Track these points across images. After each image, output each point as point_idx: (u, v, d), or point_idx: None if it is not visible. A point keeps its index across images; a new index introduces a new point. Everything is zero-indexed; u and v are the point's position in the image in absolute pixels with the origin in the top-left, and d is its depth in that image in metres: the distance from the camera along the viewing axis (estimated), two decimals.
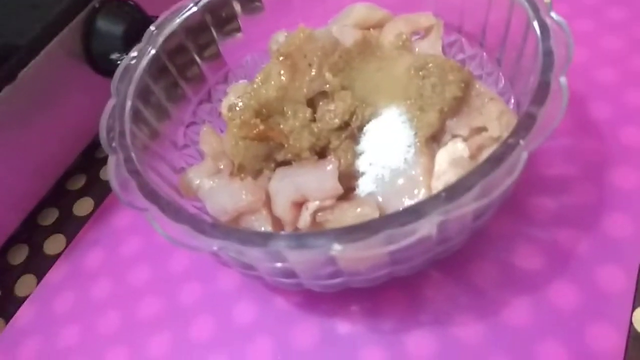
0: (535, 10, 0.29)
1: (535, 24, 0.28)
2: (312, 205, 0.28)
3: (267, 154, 0.30)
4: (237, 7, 0.38)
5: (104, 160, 0.45)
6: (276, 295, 0.33)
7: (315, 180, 0.28)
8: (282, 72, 0.31)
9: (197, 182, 0.32)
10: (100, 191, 0.43)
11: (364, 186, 0.29)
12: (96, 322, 0.35)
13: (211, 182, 0.30)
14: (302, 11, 0.39)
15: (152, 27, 0.35)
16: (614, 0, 0.42)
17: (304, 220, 0.28)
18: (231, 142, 0.31)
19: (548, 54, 0.27)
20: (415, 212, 0.22)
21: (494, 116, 0.29)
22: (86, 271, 0.38)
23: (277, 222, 0.29)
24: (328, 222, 0.28)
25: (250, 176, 0.30)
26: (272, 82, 0.31)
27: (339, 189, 0.28)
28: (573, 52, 0.26)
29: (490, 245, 0.32)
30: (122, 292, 0.36)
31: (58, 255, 0.39)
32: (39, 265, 0.39)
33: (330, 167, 0.27)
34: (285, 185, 0.28)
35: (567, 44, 0.27)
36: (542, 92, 0.25)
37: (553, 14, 0.28)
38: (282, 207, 0.28)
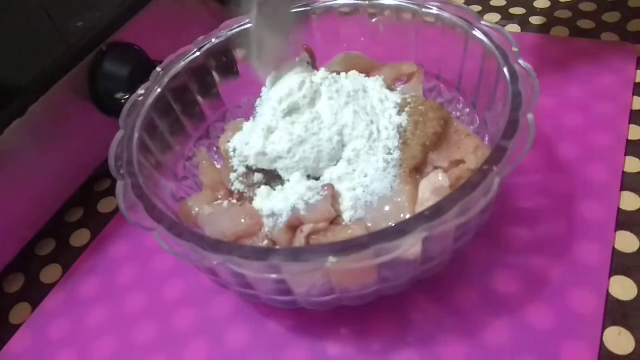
0: (505, 58, 0.33)
1: (506, 70, 0.32)
2: (307, 228, 0.30)
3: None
4: (237, 53, 0.41)
5: (102, 194, 0.46)
6: (269, 320, 0.34)
7: (311, 205, 0.30)
8: None
9: (197, 209, 0.34)
10: (97, 223, 0.44)
11: (353, 213, 0.32)
12: (91, 347, 0.36)
13: (211, 209, 0.33)
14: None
15: (158, 69, 0.38)
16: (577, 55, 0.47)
17: (299, 242, 0.30)
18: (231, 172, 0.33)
19: (517, 95, 0.30)
20: (402, 229, 0.25)
21: (470, 150, 0.32)
22: (82, 299, 0.39)
23: (273, 245, 0.31)
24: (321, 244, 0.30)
25: (248, 203, 0.33)
26: None
27: (332, 212, 0.30)
28: (539, 93, 0.30)
29: (471, 271, 0.34)
30: (118, 318, 0.37)
31: (54, 284, 0.40)
32: (35, 293, 0.40)
33: (325, 192, 0.30)
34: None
35: (533, 86, 0.30)
36: (511, 128, 0.29)
37: (521, 61, 0.32)
38: (278, 231, 0.30)
